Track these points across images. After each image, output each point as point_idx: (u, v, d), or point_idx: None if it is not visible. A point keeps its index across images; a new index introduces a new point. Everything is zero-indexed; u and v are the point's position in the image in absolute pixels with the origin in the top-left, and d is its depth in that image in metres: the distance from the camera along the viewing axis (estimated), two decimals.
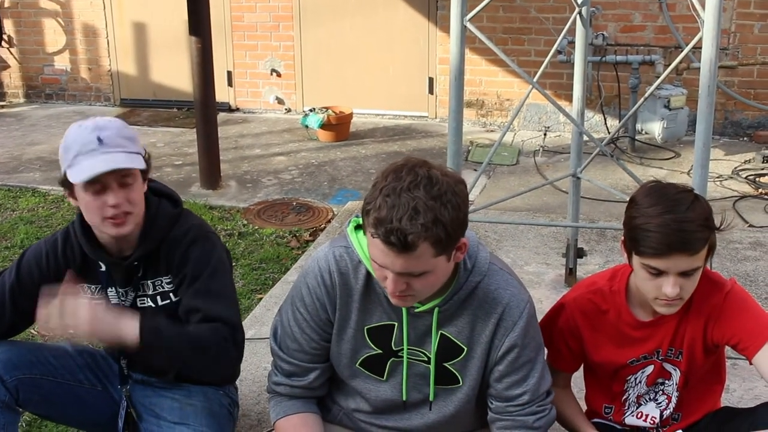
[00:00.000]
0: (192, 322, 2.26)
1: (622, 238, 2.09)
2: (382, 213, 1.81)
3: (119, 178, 2.17)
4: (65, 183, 2.20)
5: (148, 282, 2.34)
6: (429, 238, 1.81)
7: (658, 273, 2.00)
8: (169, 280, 2.33)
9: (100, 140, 2.15)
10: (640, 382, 2.25)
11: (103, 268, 2.34)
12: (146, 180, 2.31)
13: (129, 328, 2.12)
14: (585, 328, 2.24)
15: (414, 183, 1.82)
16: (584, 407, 2.41)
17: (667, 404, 2.26)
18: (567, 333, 2.26)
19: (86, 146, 2.15)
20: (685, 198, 2.00)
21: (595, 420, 2.35)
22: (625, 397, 2.29)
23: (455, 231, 1.86)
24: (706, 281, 2.14)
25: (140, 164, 2.22)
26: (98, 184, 2.15)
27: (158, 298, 2.36)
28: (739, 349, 2.11)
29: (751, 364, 2.10)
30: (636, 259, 2.03)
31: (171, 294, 2.34)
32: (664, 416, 2.26)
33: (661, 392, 2.26)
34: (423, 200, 1.80)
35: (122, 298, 2.37)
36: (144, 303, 2.37)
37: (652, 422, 2.28)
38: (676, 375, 2.21)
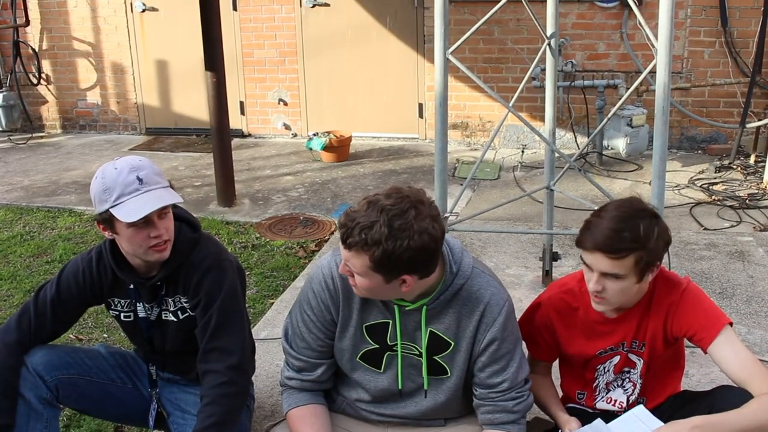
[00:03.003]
0: (210, 361, 2.27)
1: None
2: (353, 210, 1.90)
3: (159, 211, 2.17)
4: (105, 220, 2.18)
5: (170, 299, 2.35)
6: (366, 251, 1.86)
7: (588, 268, 2.03)
8: (186, 300, 2.34)
9: (140, 180, 2.14)
10: (608, 370, 2.25)
11: (132, 286, 2.35)
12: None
13: None
14: (558, 323, 2.25)
15: (389, 208, 1.86)
16: (560, 393, 2.41)
17: (633, 390, 2.26)
18: (543, 328, 2.27)
19: (128, 187, 2.13)
20: (637, 214, 2.01)
21: (570, 405, 2.35)
22: (595, 383, 2.29)
23: (395, 263, 1.87)
24: (664, 281, 2.15)
25: (178, 197, 2.21)
26: (143, 219, 2.14)
27: (179, 313, 2.36)
28: (695, 341, 2.11)
29: (705, 353, 2.10)
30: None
31: (189, 310, 2.35)
32: (630, 401, 2.26)
33: (627, 379, 2.26)
34: (380, 223, 1.84)
35: (148, 312, 2.38)
36: (167, 317, 2.38)
37: (620, 406, 2.27)
38: (639, 364, 2.22)
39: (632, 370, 2.24)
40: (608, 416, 2.24)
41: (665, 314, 2.14)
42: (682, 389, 2.36)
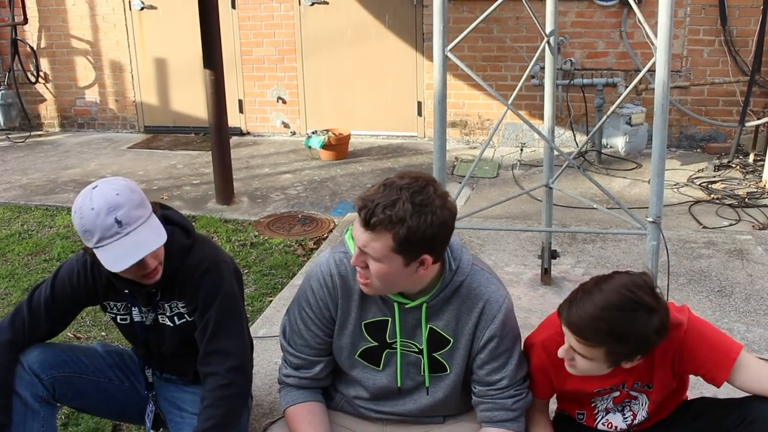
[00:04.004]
0: (211, 363, 2.26)
1: None
2: (369, 193, 1.88)
3: None
4: (93, 254, 2.11)
5: (166, 304, 2.33)
6: (390, 230, 1.83)
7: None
8: (183, 305, 2.32)
9: (119, 222, 2.05)
10: (607, 399, 2.18)
11: (127, 291, 2.32)
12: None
13: None
14: (551, 367, 2.13)
15: (407, 186, 1.85)
16: (556, 410, 2.35)
17: (633, 420, 2.17)
18: (537, 369, 2.17)
19: (108, 231, 2.04)
20: (629, 306, 1.84)
21: (566, 414, 2.29)
22: (593, 404, 2.21)
23: (418, 241, 1.86)
24: None
25: (163, 237, 2.13)
26: None
27: (175, 318, 2.35)
28: (707, 379, 2.01)
29: (718, 387, 2.01)
30: None
31: (186, 315, 2.34)
32: (630, 427, 2.18)
33: (627, 408, 2.18)
34: (403, 200, 1.83)
35: (144, 316, 2.37)
36: (164, 321, 2.36)
37: (621, 430, 2.20)
38: (643, 398, 2.13)
39: (633, 402, 2.16)
40: None
41: (672, 357, 2.03)
42: (690, 397, 2.26)
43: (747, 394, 2.02)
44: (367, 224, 1.85)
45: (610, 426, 2.21)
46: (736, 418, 1.96)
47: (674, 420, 2.19)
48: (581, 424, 2.26)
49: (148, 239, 2.10)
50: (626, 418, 2.19)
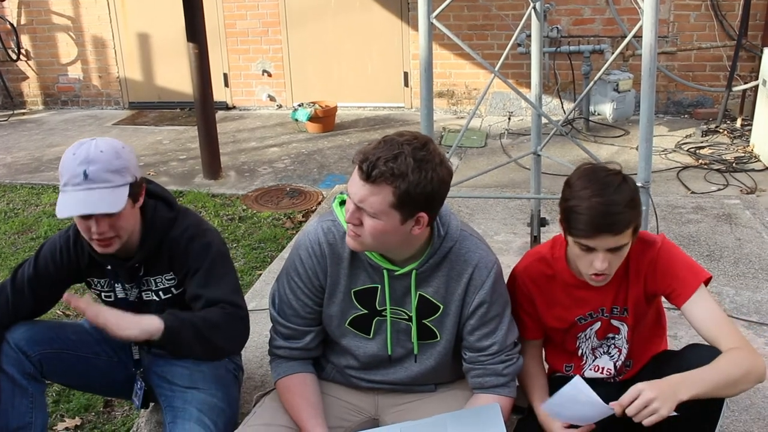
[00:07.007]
0: (196, 308, 2.20)
1: (560, 216, 2.03)
2: (370, 148, 1.86)
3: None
4: None
5: (151, 279, 2.29)
6: (391, 184, 1.82)
7: (588, 249, 1.97)
8: (170, 277, 2.28)
9: (85, 175, 2.02)
10: (589, 337, 2.21)
11: (109, 266, 2.29)
12: (139, 197, 2.17)
13: (150, 319, 2.05)
14: (536, 293, 2.19)
15: (408, 141, 1.85)
16: (546, 367, 2.36)
17: (619, 356, 2.22)
18: (523, 299, 2.21)
19: (73, 178, 2.03)
20: (612, 180, 1.96)
21: (558, 374, 2.30)
22: (580, 352, 2.24)
23: (418, 196, 1.84)
24: (638, 242, 2.09)
25: (118, 206, 2.05)
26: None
27: (161, 293, 2.31)
28: (672, 298, 2.07)
29: (679, 309, 2.07)
30: (570, 237, 2.00)
31: (173, 288, 2.30)
32: (618, 366, 2.23)
33: (612, 346, 2.22)
34: (405, 154, 1.83)
35: (128, 293, 2.33)
36: (149, 297, 2.33)
37: (608, 373, 2.24)
38: (624, 329, 2.19)
39: (616, 336, 2.20)
40: (596, 385, 2.21)
41: (644, 275, 2.10)
42: (667, 349, 2.32)
43: (694, 342, 2.11)
44: (368, 177, 1.83)
45: (598, 370, 2.24)
46: (677, 366, 1.99)
47: (653, 370, 2.19)
48: (570, 377, 2.27)
49: (99, 201, 2.04)
50: (612, 356, 2.23)
